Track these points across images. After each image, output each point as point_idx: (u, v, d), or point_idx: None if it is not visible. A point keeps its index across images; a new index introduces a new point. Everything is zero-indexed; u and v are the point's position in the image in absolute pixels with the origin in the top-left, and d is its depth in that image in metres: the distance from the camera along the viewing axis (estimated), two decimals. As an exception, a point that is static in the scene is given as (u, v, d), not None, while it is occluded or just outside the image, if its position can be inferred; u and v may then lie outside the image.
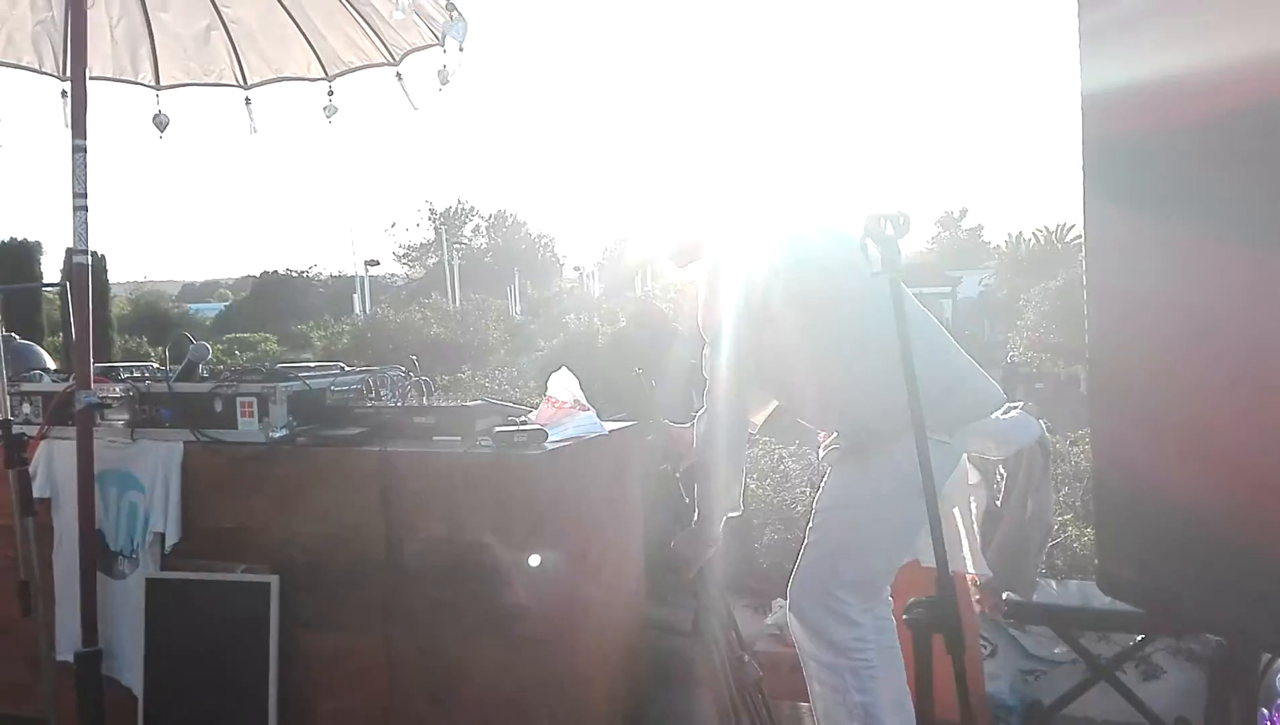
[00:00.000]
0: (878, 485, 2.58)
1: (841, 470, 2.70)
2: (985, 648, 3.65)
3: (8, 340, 4.11)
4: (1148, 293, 1.12)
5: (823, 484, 2.78)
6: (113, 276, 30.93)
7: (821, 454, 2.87)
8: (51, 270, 25.02)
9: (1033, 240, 39.60)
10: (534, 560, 2.68)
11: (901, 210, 1.70)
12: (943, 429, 2.58)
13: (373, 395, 3.28)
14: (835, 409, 2.69)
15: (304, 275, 52.79)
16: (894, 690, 2.65)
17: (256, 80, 4.15)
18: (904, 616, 1.75)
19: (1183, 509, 1.10)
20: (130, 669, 3.17)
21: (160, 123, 4.10)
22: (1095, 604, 3.44)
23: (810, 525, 2.73)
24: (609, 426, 3.11)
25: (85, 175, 3.17)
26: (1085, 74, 1.20)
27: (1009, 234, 43.89)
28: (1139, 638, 3.52)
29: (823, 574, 2.63)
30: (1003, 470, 3.25)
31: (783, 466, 5.19)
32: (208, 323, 39.77)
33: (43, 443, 3.29)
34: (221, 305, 51.78)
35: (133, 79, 4.09)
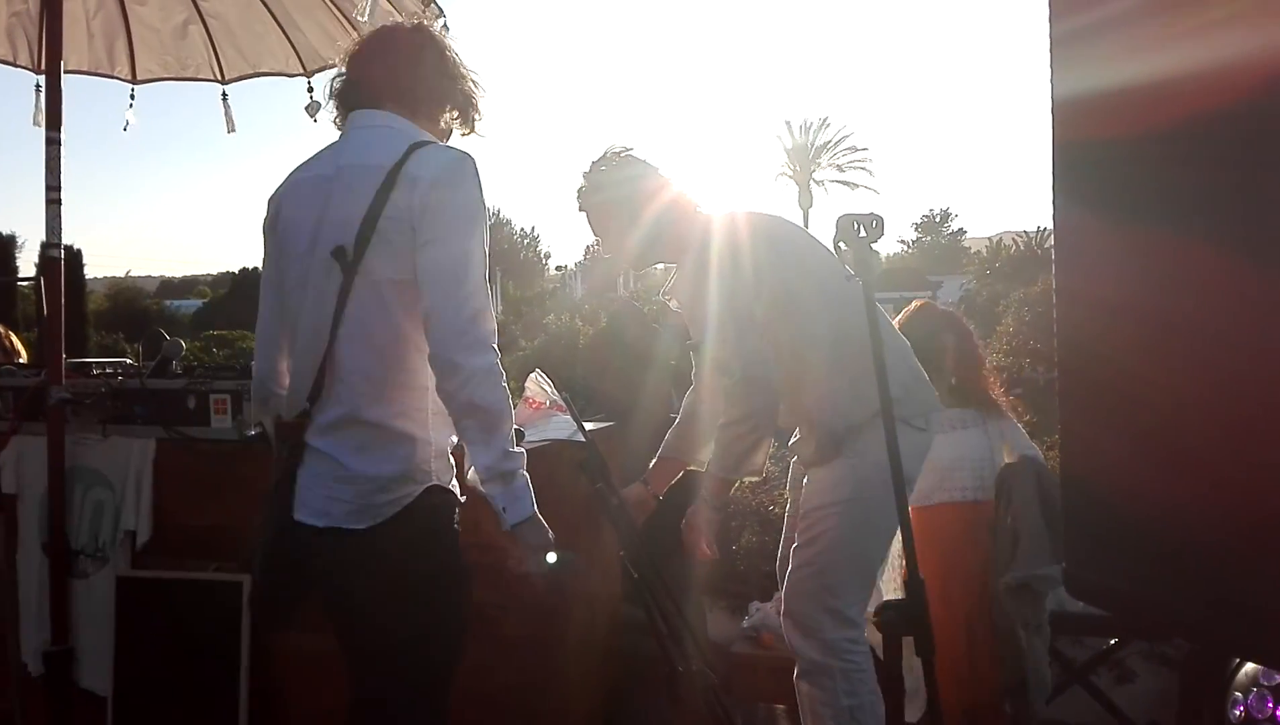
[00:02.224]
0: (863, 477, 2.60)
1: (824, 467, 2.70)
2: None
3: None
4: (1116, 295, 1.13)
5: (805, 483, 2.78)
6: (91, 272, 30.71)
7: (791, 447, 2.89)
8: (28, 264, 24.81)
9: (1013, 245, 39.86)
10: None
11: (874, 213, 1.71)
12: (918, 416, 2.67)
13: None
14: (816, 402, 2.69)
15: (285, 273, 52.41)
16: (872, 692, 2.66)
17: (234, 75, 4.12)
18: (874, 618, 1.76)
19: (1149, 512, 1.10)
20: (93, 669, 3.13)
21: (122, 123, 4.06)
22: (1069, 608, 3.46)
23: (801, 526, 2.73)
24: (588, 427, 3.09)
25: (59, 168, 3.15)
26: (1056, 80, 1.21)
27: (990, 239, 44.16)
28: (1112, 641, 3.54)
29: (821, 572, 2.63)
30: None
31: (761, 468, 5.19)
32: (186, 319, 39.47)
33: (13, 438, 3.25)
34: (200, 302, 51.44)
35: (109, 73, 4.06)
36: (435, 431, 2.01)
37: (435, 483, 1.99)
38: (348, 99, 2.09)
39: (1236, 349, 0.97)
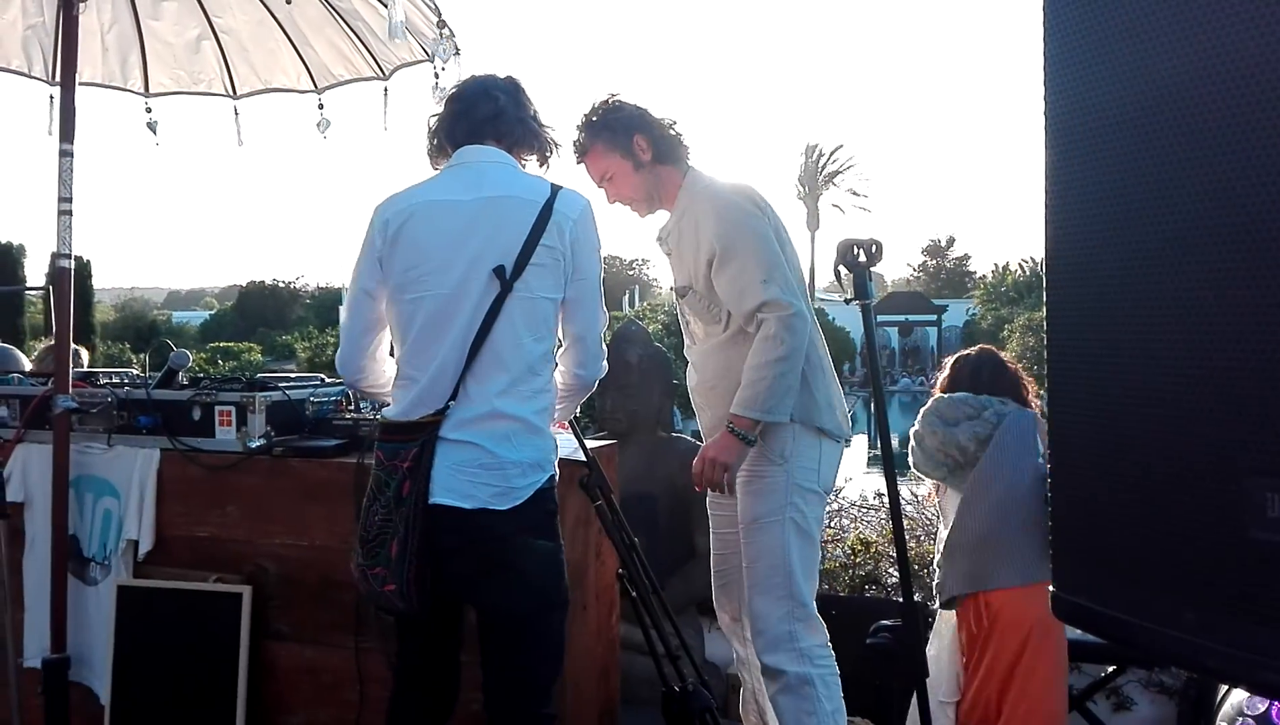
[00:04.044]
0: (792, 483, 2.71)
1: (754, 474, 2.76)
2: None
3: None
4: (1108, 311, 1.14)
5: (740, 493, 2.80)
6: (99, 283, 30.80)
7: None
8: (36, 274, 24.91)
9: (1018, 271, 39.86)
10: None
11: (874, 238, 1.73)
12: (840, 429, 2.81)
13: (352, 407, 3.28)
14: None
15: (290, 286, 52.70)
16: (841, 698, 2.71)
17: (246, 90, 4.15)
18: (867, 640, 1.76)
19: (1141, 535, 1.11)
20: (100, 676, 3.15)
21: (153, 127, 4.09)
22: (1067, 635, 3.45)
23: (746, 539, 2.77)
24: (590, 445, 3.11)
25: (71, 180, 3.18)
26: (1050, 81, 1.22)
27: (995, 264, 44.16)
28: (1110, 669, 3.54)
29: (782, 582, 2.69)
30: None
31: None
32: (193, 331, 39.57)
33: (19, 446, 3.28)
34: (207, 313, 51.56)
35: (122, 85, 4.09)
36: (552, 428, 2.38)
37: (554, 471, 2.35)
38: (455, 134, 2.41)
39: (1235, 367, 0.98)
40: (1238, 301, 0.98)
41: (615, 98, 2.86)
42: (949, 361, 3.37)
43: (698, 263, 2.77)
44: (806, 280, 2.77)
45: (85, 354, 4.65)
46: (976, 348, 3.43)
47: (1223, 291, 1.00)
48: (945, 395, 3.14)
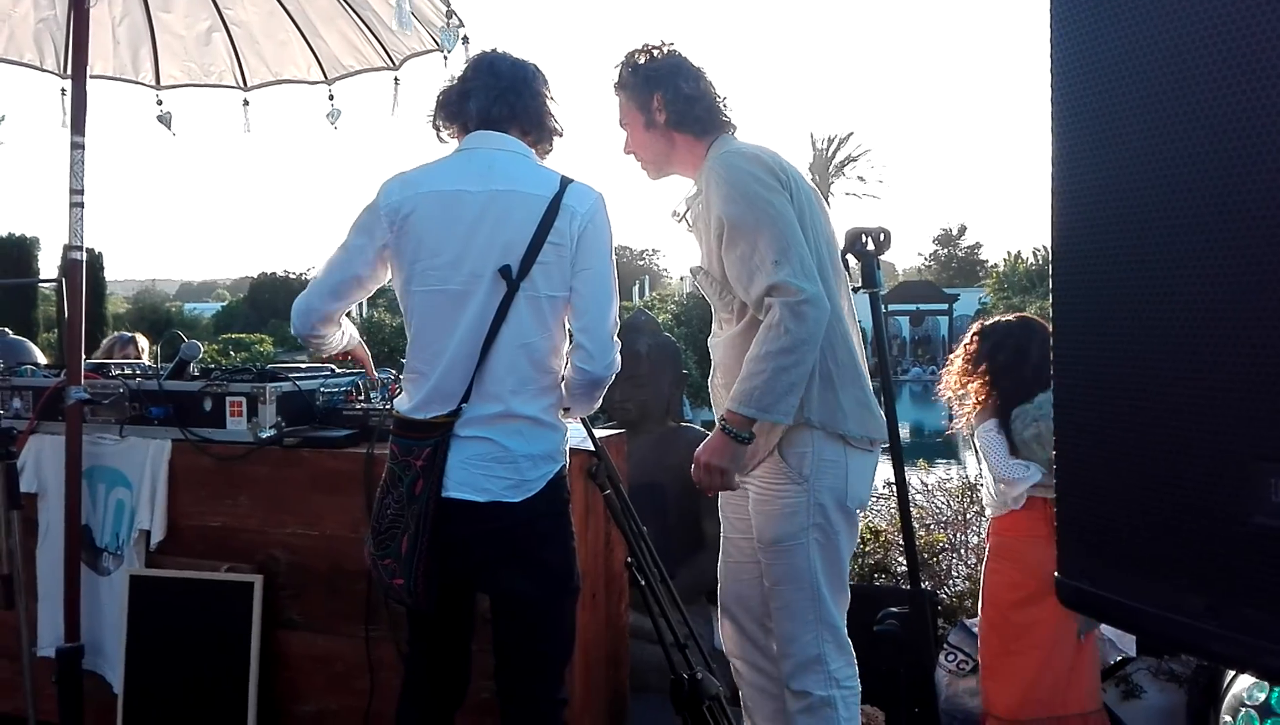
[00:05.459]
0: (816, 503, 2.54)
1: (773, 494, 2.60)
2: (968, 663, 3.67)
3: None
4: (1113, 300, 1.14)
5: (752, 506, 2.66)
6: (111, 275, 30.94)
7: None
8: (49, 266, 24.96)
9: (1030, 259, 39.65)
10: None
11: (882, 226, 1.72)
12: (863, 438, 2.58)
13: (362, 398, 3.30)
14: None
15: (302, 277, 52.83)
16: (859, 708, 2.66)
17: (256, 82, 4.17)
18: (874, 628, 1.77)
19: (1147, 520, 1.11)
20: (113, 665, 3.18)
21: (165, 120, 4.11)
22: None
23: (767, 560, 2.63)
24: (598, 434, 3.11)
25: (83, 172, 3.20)
26: (1057, 67, 1.21)
27: (1007, 252, 43.98)
28: (1118, 657, 3.54)
29: (810, 606, 2.58)
30: None
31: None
32: (205, 323, 39.74)
33: (32, 437, 3.30)
34: (219, 305, 51.77)
35: (133, 78, 4.11)
36: (563, 421, 2.40)
37: (565, 461, 2.38)
38: (490, 113, 2.34)
39: (1239, 352, 0.98)
40: (1243, 287, 0.98)
41: (665, 46, 2.67)
42: (987, 332, 3.38)
43: (710, 240, 2.56)
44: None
45: (145, 343, 4.71)
46: (1017, 318, 3.48)
47: (1229, 278, 0.99)
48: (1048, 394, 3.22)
